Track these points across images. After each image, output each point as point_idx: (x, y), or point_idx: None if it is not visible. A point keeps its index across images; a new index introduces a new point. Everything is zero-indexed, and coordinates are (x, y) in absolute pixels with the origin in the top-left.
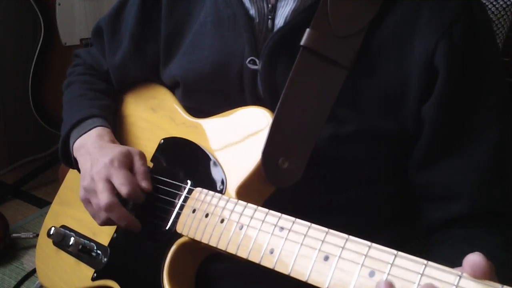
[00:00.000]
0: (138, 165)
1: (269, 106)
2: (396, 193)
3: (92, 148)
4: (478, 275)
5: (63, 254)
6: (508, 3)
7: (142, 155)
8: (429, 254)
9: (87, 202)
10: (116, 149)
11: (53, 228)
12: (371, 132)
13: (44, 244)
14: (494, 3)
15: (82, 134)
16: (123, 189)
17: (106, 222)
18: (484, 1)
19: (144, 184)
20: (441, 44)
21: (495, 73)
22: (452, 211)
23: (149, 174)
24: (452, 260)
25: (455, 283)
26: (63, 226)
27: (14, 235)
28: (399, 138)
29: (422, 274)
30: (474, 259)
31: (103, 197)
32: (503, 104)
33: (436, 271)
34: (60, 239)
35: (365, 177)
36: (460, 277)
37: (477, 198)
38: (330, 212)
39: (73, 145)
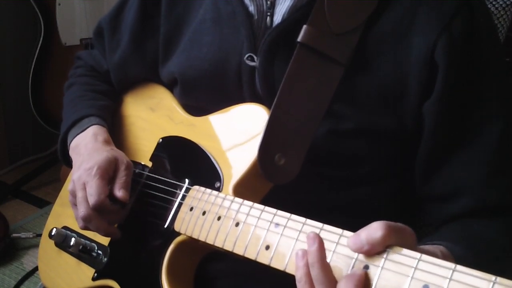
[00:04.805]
0: (121, 174)
1: (267, 103)
2: (397, 192)
3: (83, 150)
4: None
5: (64, 255)
6: (508, 2)
7: (129, 165)
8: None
9: (72, 204)
10: (103, 155)
11: (54, 229)
12: (370, 129)
13: (46, 245)
14: (494, 3)
15: (79, 133)
16: (90, 200)
17: (86, 228)
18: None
19: (120, 193)
20: (441, 39)
21: (496, 66)
22: (456, 207)
23: (129, 185)
24: (440, 234)
25: (449, 276)
26: (65, 227)
27: (14, 235)
28: (398, 136)
29: (415, 268)
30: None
31: (81, 208)
32: (505, 97)
33: (429, 265)
34: (62, 240)
35: (365, 175)
36: (453, 270)
37: (481, 193)
38: (332, 211)
39: (69, 145)
